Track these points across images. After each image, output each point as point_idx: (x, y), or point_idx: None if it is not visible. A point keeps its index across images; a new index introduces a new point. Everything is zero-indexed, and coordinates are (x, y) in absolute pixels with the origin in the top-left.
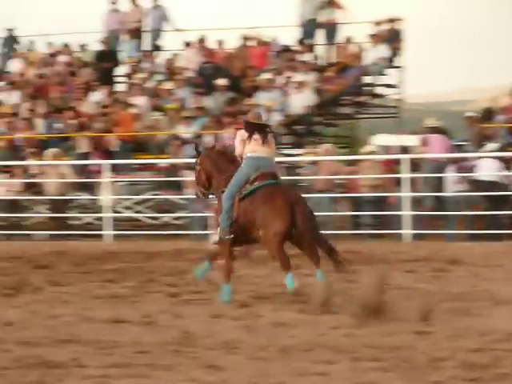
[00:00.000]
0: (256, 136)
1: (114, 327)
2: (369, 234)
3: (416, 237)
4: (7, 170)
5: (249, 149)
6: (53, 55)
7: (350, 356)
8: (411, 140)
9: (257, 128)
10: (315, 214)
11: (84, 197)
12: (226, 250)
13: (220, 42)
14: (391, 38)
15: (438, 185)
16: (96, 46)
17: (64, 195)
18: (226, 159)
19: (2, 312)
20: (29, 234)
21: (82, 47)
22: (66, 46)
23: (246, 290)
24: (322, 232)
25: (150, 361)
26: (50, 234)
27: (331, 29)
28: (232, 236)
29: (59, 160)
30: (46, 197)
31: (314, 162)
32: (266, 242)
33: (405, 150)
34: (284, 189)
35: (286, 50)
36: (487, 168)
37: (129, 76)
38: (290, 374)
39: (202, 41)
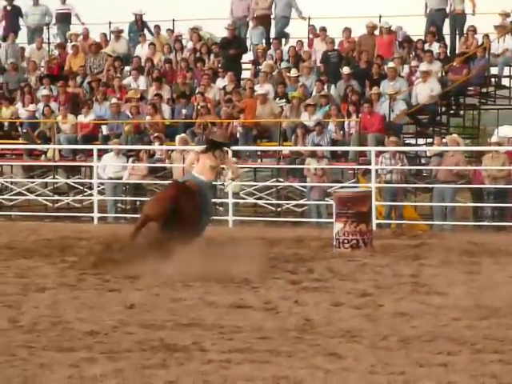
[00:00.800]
0: (209, 155)
1: (235, 312)
2: (491, 226)
3: None
4: (132, 155)
5: (196, 168)
6: (179, 41)
7: (471, 348)
8: None
9: (215, 146)
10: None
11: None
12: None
13: (346, 30)
14: None
15: None
16: (223, 32)
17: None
18: None
19: (125, 294)
20: None
21: (210, 34)
22: (195, 31)
23: (368, 279)
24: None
25: (270, 347)
26: None
27: (458, 19)
28: None
29: (187, 145)
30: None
31: (439, 153)
32: None
33: None
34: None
35: (411, 39)
36: None
37: (255, 63)
38: (411, 364)
39: (327, 29)
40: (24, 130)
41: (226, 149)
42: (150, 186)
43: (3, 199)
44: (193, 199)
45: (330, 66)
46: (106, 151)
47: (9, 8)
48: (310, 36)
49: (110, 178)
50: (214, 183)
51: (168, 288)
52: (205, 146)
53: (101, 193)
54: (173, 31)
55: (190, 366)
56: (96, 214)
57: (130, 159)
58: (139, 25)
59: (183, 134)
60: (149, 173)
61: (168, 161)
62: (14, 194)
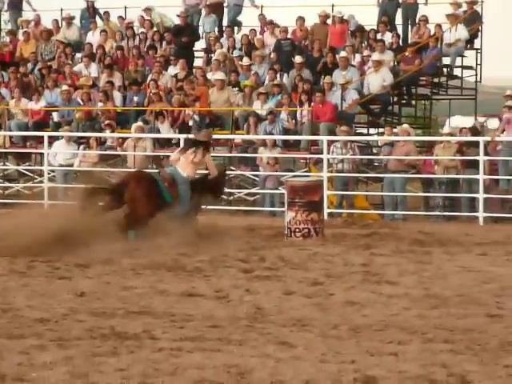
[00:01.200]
0: (190, 152)
1: (186, 301)
2: (442, 216)
3: (490, 220)
4: (83, 142)
5: (180, 164)
6: (131, 28)
7: (421, 337)
8: (487, 122)
9: (199, 145)
10: None
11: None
12: None
13: (299, 19)
14: (470, 19)
15: None
16: (175, 20)
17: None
18: None
19: (76, 282)
20: None
21: (162, 16)
22: (147, 11)
23: (319, 268)
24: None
25: (221, 335)
26: None
27: (411, 9)
28: None
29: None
30: (123, 169)
31: (390, 143)
32: None
33: (480, 131)
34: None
35: (364, 28)
36: None
37: (207, 51)
38: (361, 353)
39: (279, 18)
40: None
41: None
42: (101, 174)
43: None
44: (146, 188)
45: (282, 54)
46: (56, 138)
47: None
48: (263, 24)
49: (61, 165)
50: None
51: (119, 276)
52: (188, 144)
53: (51, 180)
54: (124, 18)
55: (140, 354)
56: (46, 201)
57: (81, 146)
58: (91, 12)
59: (139, 123)
60: (100, 160)
61: (119, 148)
62: None
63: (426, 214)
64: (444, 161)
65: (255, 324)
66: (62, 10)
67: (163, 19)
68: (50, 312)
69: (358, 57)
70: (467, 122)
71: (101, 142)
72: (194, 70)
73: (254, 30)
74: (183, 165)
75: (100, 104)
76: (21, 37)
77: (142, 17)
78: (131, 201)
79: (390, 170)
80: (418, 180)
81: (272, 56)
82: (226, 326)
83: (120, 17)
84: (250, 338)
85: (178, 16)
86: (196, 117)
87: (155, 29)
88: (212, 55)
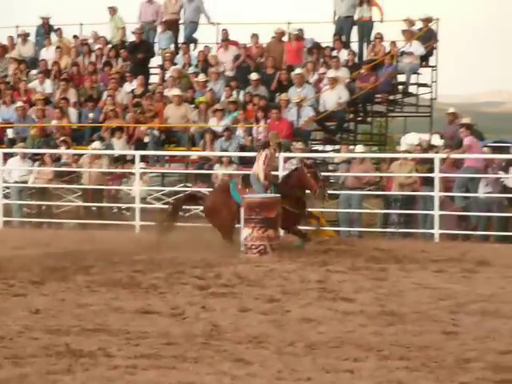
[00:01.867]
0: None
1: (142, 318)
2: (398, 233)
3: (445, 237)
4: (38, 158)
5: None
6: (86, 44)
7: (377, 354)
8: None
9: (265, 146)
10: None
11: (116, 187)
12: None
13: (254, 36)
14: (425, 37)
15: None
16: (131, 36)
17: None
18: None
19: (31, 299)
20: (59, 223)
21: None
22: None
23: (275, 284)
24: None
25: (177, 353)
26: (80, 223)
27: (366, 26)
28: None
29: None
30: (78, 186)
31: (347, 160)
32: None
33: (433, 148)
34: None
35: (320, 46)
36: None
37: (163, 68)
38: (317, 370)
39: (234, 35)
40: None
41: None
42: (56, 190)
43: None
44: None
45: (239, 71)
46: (11, 155)
47: None
48: (219, 41)
49: (16, 182)
50: None
51: (73, 293)
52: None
53: (6, 197)
54: (77, 37)
55: (95, 372)
56: (1, 218)
57: (36, 163)
58: (46, 28)
59: (97, 142)
60: (55, 177)
61: (75, 165)
62: None
63: (382, 230)
64: (400, 178)
65: (211, 341)
66: (17, 26)
67: (120, 26)
68: (4, 329)
69: (314, 74)
70: (423, 139)
71: (56, 159)
72: (149, 86)
73: (209, 47)
74: (256, 168)
75: (54, 121)
76: None
77: (96, 33)
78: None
79: (348, 187)
80: (374, 197)
81: (228, 73)
82: (182, 344)
83: (75, 36)
84: (206, 356)
85: (133, 33)
86: (156, 132)
87: (113, 42)
88: (167, 72)
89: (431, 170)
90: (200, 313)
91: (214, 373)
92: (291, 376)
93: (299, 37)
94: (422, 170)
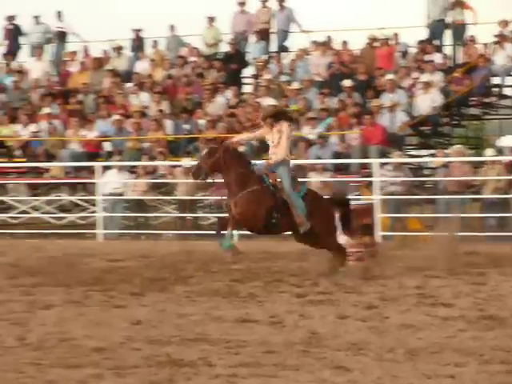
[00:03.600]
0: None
1: (241, 327)
2: (495, 237)
3: None
4: (134, 171)
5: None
6: (180, 56)
7: (478, 359)
8: None
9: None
10: None
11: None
12: None
13: (346, 43)
14: None
15: None
16: (224, 47)
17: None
18: None
19: (131, 311)
20: (156, 234)
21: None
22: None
23: (374, 291)
24: None
25: (277, 361)
26: (178, 234)
27: (459, 29)
28: None
29: None
30: (173, 197)
31: (444, 164)
32: None
33: None
34: None
35: (413, 50)
36: None
37: (256, 77)
38: (418, 377)
39: (328, 42)
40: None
41: None
42: (151, 202)
43: (8, 217)
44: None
45: (331, 78)
46: (109, 167)
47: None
48: (312, 49)
49: (110, 194)
50: None
51: (173, 304)
52: None
53: (104, 209)
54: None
55: (197, 381)
56: (101, 231)
57: (132, 175)
58: (137, 41)
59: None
60: (150, 188)
61: (170, 176)
62: (19, 212)
63: (480, 234)
64: (492, 181)
65: (310, 349)
66: (110, 40)
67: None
68: (106, 341)
69: (407, 79)
70: None
71: (152, 170)
72: (242, 96)
73: (301, 54)
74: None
75: (151, 132)
76: (70, 68)
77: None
78: None
79: (447, 192)
80: (471, 201)
81: (320, 80)
82: (282, 352)
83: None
84: (306, 363)
85: (228, 43)
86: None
87: (209, 52)
88: (259, 81)
89: None
90: (298, 320)
91: (314, 380)
92: (392, 382)
93: (390, 42)
94: None
